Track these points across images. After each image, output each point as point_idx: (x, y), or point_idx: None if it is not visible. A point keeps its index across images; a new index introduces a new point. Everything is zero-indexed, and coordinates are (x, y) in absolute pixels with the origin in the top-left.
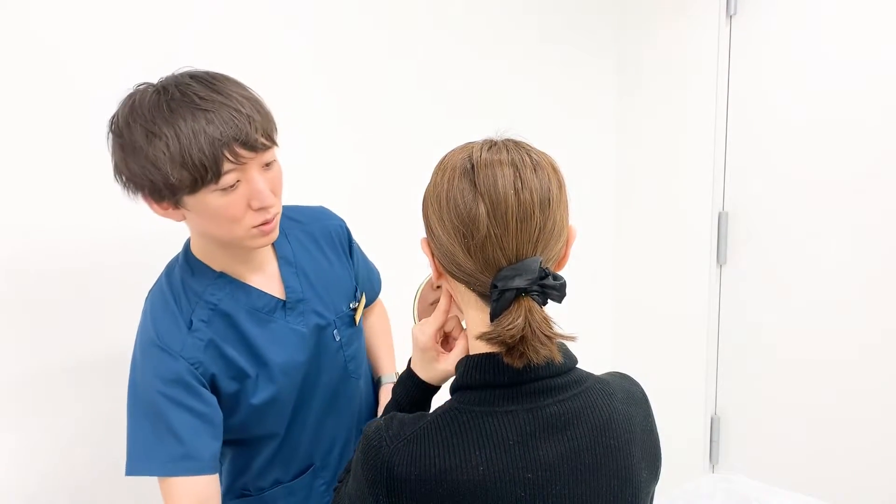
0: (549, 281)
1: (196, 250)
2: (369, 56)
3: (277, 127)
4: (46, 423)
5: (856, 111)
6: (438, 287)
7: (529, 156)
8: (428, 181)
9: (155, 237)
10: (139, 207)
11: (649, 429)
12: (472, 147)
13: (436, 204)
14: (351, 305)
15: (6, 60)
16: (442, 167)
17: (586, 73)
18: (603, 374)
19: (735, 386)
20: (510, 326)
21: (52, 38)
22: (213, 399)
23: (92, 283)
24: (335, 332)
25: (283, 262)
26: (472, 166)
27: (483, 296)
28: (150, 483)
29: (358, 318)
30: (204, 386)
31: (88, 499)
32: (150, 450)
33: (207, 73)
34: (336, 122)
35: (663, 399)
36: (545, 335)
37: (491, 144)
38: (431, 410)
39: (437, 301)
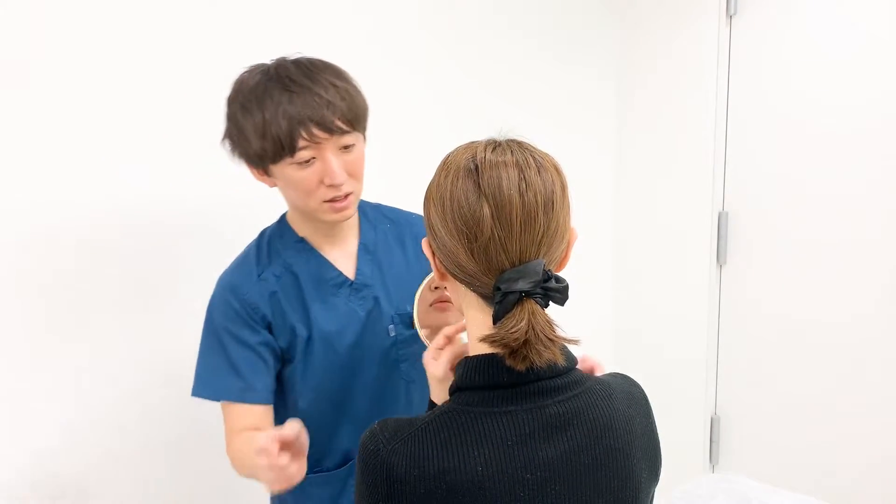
0: (552, 283)
1: (288, 217)
2: (370, 58)
3: (367, 114)
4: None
5: (856, 111)
6: (436, 288)
7: (533, 157)
8: (429, 181)
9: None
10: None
11: (649, 429)
12: (476, 147)
13: (439, 205)
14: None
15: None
16: (445, 167)
17: (586, 73)
18: (603, 375)
19: (735, 386)
20: (514, 329)
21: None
22: (270, 339)
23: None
24: (391, 326)
25: (363, 247)
26: (476, 167)
27: (484, 297)
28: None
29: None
30: (262, 327)
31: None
32: (211, 377)
33: (310, 59)
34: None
35: (663, 399)
36: (548, 338)
37: (495, 145)
38: (429, 412)
39: (435, 302)
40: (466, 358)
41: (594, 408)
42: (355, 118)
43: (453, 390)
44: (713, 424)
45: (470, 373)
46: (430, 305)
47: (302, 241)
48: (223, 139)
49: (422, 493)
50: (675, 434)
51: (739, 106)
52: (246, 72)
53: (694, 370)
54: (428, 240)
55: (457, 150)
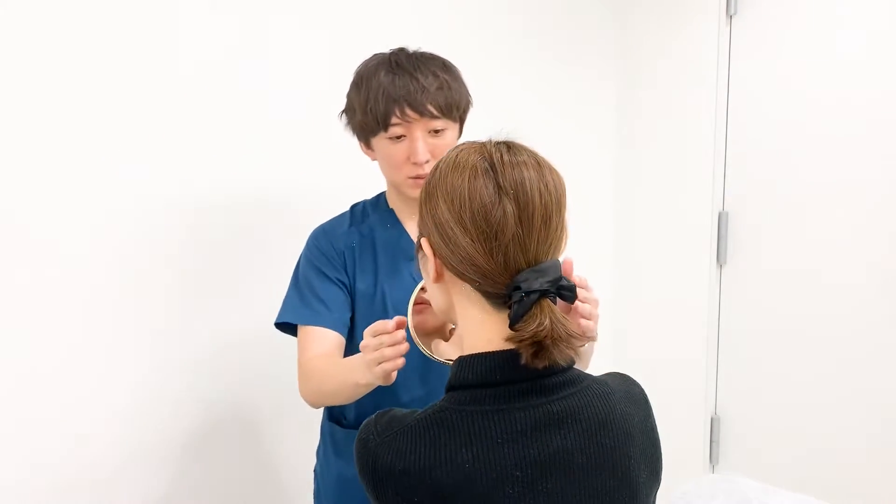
0: (565, 282)
1: (386, 190)
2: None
3: (464, 106)
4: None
5: (856, 111)
6: (422, 289)
7: (541, 158)
8: (431, 179)
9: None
10: None
11: (649, 429)
12: (484, 147)
13: (451, 203)
14: None
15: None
16: (455, 166)
17: (586, 72)
18: (601, 375)
19: (735, 386)
20: (541, 328)
21: None
22: (347, 280)
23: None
24: None
25: None
26: (493, 165)
27: (490, 296)
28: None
29: None
30: (343, 269)
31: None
32: (293, 306)
33: (423, 51)
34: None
35: (663, 399)
36: (568, 335)
37: (508, 145)
38: (422, 409)
39: (422, 303)
40: (461, 357)
41: (590, 406)
42: (447, 107)
43: (448, 389)
44: (713, 424)
45: (463, 372)
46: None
47: (391, 211)
48: (341, 113)
49: (406, 486)
50: (675, 434)
51: (739, 106)
52: (369, 57)
53: (694, 370)
54: (429, 239)
55: (461, 148)
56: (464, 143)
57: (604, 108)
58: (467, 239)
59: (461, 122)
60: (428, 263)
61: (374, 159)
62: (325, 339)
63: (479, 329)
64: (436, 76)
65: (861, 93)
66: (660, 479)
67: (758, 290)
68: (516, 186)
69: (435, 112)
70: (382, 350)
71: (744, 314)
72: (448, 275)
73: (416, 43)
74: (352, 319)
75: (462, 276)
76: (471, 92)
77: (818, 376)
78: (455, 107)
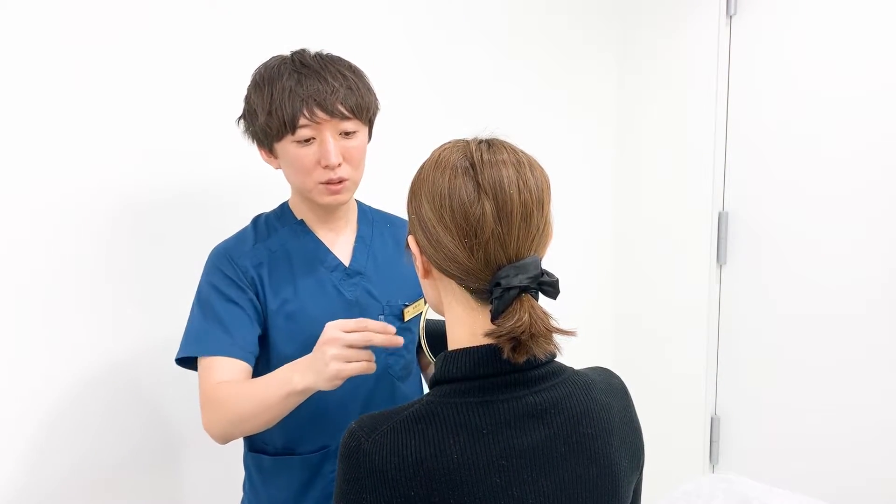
0: (546, 278)
1: (290, 202)
2: (369, 57)
3: (373, 110)
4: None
5: (856, 111)
6: None
7: (523, 156)
8: (416, 178)
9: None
10: None
11: (629, 419)
12: (467, 145)
13: (433, 201)
14: (405, 303)
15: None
16: (438, 165)
17: (586, 72)
18: (582, 369)
19: (735, 386)
20: (519, 323)
21: None
22: (256, 302)
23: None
24: (381, 317)
25: (360, 240)
26: (472, 165)
27: (475, 293)
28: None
29: (406, 316)
30: (250, 290)
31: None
32: (196, 335)
33: (329, 53)
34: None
35: (663, 399)
36: (547, 330)
37: (489, 144)
38: (407, 403)
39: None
40: (445, 353)
41: (571, 397)
42: (358, 108)
43: (433, 383)
44: (713, 424)
45: (449, 366)
46: None
47: (301, 223)
48: (238, 119)
49: (402, 481)
50: (675, 434)
51: (739, 106)
52: (268, 59)
53: (694, 370)
54: (415, 237)
55: (445, 147)
56: (448, 142)
57: (604, 108)
58: (448, 237)
59: (370, 125)
60: (416, 261)
61: (276, 167)
62: (229, 368)
63: (463, 323)
64: (344, 76)
65: (861, 92)
66: (641, 468)
67: (758, 290)
68: (494, 185)
69: (346, 112)
70: (368, 335)
71: (744, 314)
72: (435, 271)
73: (412, 40)
74: (268, 341)
75: (446, 273)
76: (469, 92)
77: (818, 376)
78: (365, 108)
